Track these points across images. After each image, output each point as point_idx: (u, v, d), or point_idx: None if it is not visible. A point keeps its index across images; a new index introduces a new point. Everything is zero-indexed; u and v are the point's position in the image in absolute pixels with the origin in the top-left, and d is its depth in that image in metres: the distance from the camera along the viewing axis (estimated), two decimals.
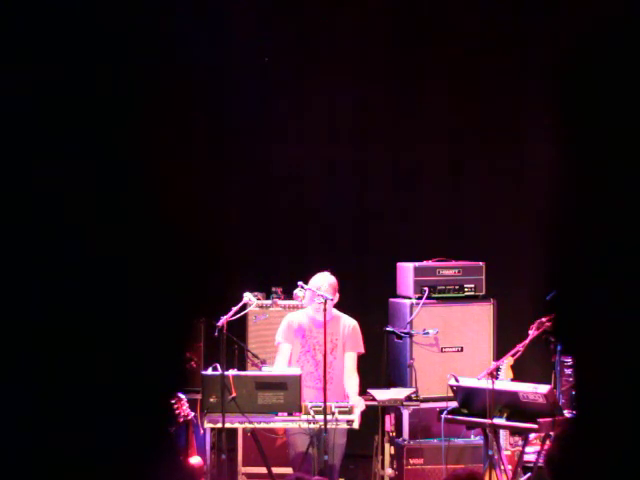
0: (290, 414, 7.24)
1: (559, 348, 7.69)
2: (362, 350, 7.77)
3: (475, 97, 9.88)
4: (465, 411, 7.45)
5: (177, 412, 7.55)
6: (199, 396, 7.70)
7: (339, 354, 7.70)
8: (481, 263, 8.78)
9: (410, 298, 8.58)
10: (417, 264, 8.66)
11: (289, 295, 8.44)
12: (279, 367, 7.66)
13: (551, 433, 7.14)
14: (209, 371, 7.30)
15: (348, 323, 7.77)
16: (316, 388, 7.60)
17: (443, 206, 9.97)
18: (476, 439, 8.05)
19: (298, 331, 7.76)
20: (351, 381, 7.67)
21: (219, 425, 7.21)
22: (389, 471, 7.87)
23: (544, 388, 7.10)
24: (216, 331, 7.32)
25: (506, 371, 7.78)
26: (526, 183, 9.41)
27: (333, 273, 7.89)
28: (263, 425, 7.30)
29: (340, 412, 7.26)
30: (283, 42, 9.90)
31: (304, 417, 7.23)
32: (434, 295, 8.60)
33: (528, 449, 7.72)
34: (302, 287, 7.76)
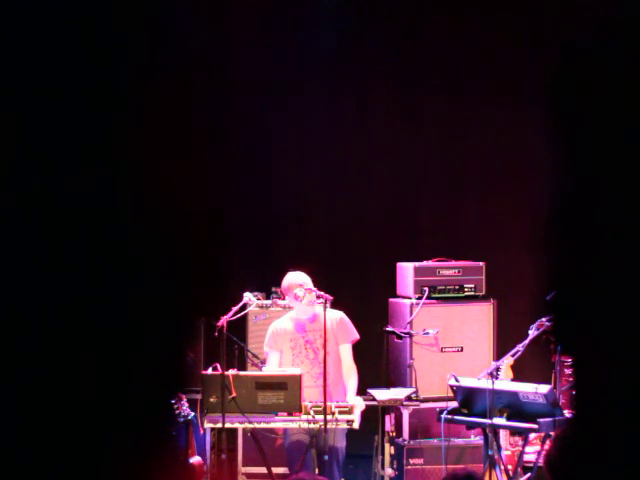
0: (290, 414, 7.24)
1: (559, 348, 7.69)
2: (357, 336, 7.79)
3: (475, 98, 9.88)
4: (465, 411, 7.44)
5: (177, 412, 7.56)
6: (199, 396, 7.70)
7: (331, 348, 7.69)
8: (481, 263, 8.78)
9: (410, 298, 8.58)
10: (417, 264, 8.66)
11: None
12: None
13: (551, 433, 7.14)
14: (209, 371, 7.30)
15: (334, 316, 7.77)
16: (315, 386, 7.60)
17: (443, 206, 9.97)
18: (476, 439, 8.05)
19: (284, 337, 7.77)
20: (350, 380, 7.68)
21: (219, 425, 7.21)
22: (389, 471, 7.87)
23: (544, 388, 7.10)
24: (216, 331, 7.32)
25: (506, 371, 7.78)
26: (526, 182, 9.42)
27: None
28: (263, 425, 7.30)
29: (340, 412, 7.26)
30: (284, 41, 9.90)
31: (304, 417, 7.23)
32: (434, 295, 8.60)
33: (528, 449, 7.72)
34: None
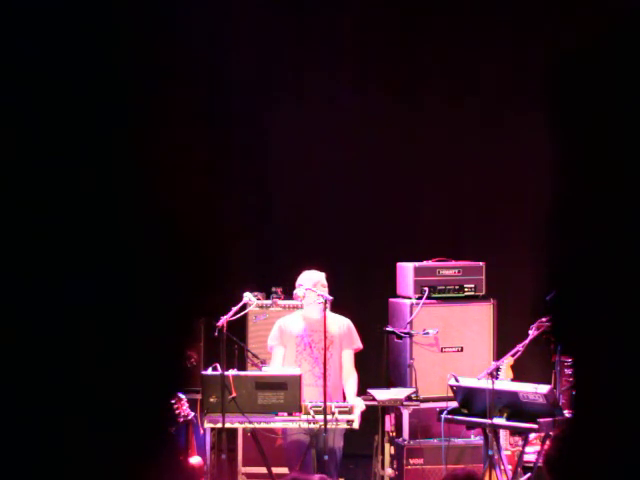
0: (290, 414, 7.24)
1: (559, 348, 7.69)
2: (360, 345, 7.82)
3: (475, 98, 9.89)
4: (465, 411, 7.45)
5: (177, 412, 7.56)
6: (199, 396, 7.70)
7: (336, 351, 7.72)
8: (481, 263, 8.78)
9: (410, 298, 8.59)
10: (417, 264, 8.66)
11: (289, 295, 8.44)
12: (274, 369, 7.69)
13: (551, 433, 7.14)
14: (209, 371, 7.30)
15: (342, 322, 7.82)
16: (315, 385, 7.61)
17: (443, 206, 9.98)
18: (476, 439, 8.04)
19: (291, 333, 7.78)
20: (350, 381, 7.69)
21: (219, 425, 7.22)
22: (389, 471, 7.87)
23: (544, 388, 7.11)
24: (216, 331, 7.32)
25: (506, 371, 7.79)
26: (526, 183, 9.43)
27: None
28: (263, 425, 7.30)
29: (340, 412, 7.26)
30: (283, 41, 9.91)
31: (304, 417, 7.23)
32: (434, 295, 8.61)
33: (528, 449, 7.73)
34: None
